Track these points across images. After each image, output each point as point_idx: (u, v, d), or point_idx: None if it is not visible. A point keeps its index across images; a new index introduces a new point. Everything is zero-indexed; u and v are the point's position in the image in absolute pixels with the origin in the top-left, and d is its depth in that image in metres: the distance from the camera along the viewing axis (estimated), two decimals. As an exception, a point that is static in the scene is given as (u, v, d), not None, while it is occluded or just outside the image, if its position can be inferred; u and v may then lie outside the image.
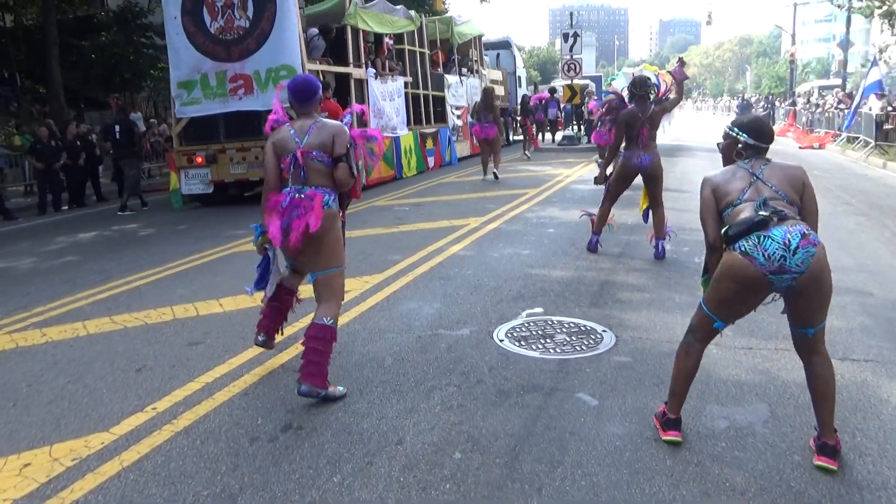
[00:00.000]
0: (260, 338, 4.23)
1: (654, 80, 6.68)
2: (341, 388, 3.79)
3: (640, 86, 6.57)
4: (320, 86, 3.79)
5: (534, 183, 13.02)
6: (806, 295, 2.88)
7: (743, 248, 2.90)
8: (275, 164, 3.71)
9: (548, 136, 24.23)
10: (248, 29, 11.06)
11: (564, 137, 22.05)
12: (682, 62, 6.75)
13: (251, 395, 3.92)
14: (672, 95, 6.76)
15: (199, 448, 3.33)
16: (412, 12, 15.57)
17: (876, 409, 3.52)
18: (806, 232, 2.84)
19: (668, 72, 6.95)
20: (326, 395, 3.67)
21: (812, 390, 3.05)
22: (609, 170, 7.09)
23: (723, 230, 3.03)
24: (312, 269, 3.76)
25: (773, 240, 2.83)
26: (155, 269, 7.24)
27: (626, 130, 6.58)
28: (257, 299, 4.56)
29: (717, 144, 3.37)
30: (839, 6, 19.99)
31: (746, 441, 3.25)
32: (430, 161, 16.37)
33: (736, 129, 3.21)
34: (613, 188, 6.98)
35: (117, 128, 12.98)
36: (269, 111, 3.90)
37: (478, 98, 16.34)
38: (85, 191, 14.35)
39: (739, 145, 3.18)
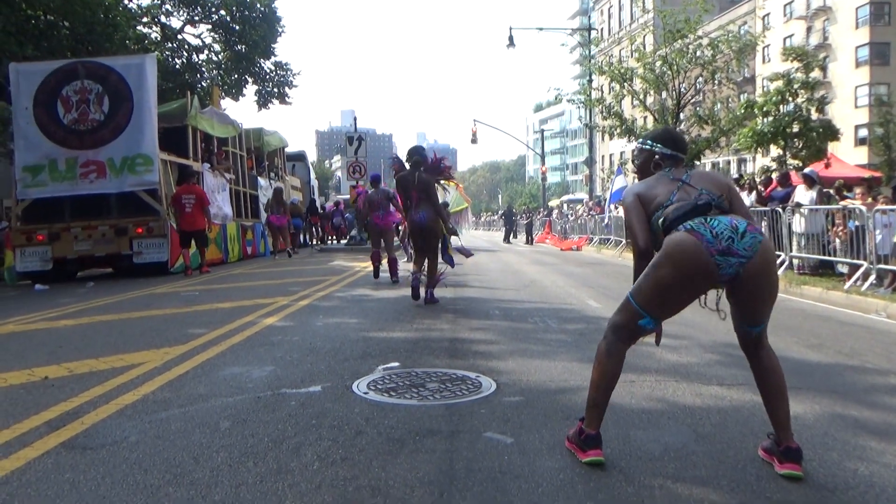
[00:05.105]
0: (394, 279, 9.60)
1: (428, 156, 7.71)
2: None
3: (410, 154, 7.56)
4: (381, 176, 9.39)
5: (332, 272, 12.32)
6: (754, 287, 2.59)
7: (689, 227, 2.58)
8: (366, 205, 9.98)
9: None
10: (104, 122, 12.03)
11: (350, 237, 22.21)
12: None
13: None
14: (445, 181, 8.31)
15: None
16: (235, 120, 17.37)
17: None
18: (751, 222, 2.61)
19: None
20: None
21: (765, 390, 2.70)
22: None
23: (659, 221, 2.70)
24: (385, 240, 9.99)
25: (720, 221, 2.57)
26: None
27: (403, 192, 7.46)
28: None
29: (633, 161, 3.15)
30: (587, 126, 22.83)
31: (694, 459, 2.78)
32: (249, 250, 17.35)
33: (650, 142, 2.99)
34: (414, 246, 7.71)
35: None
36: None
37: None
38: None
39: (656, 157, 2.95)
